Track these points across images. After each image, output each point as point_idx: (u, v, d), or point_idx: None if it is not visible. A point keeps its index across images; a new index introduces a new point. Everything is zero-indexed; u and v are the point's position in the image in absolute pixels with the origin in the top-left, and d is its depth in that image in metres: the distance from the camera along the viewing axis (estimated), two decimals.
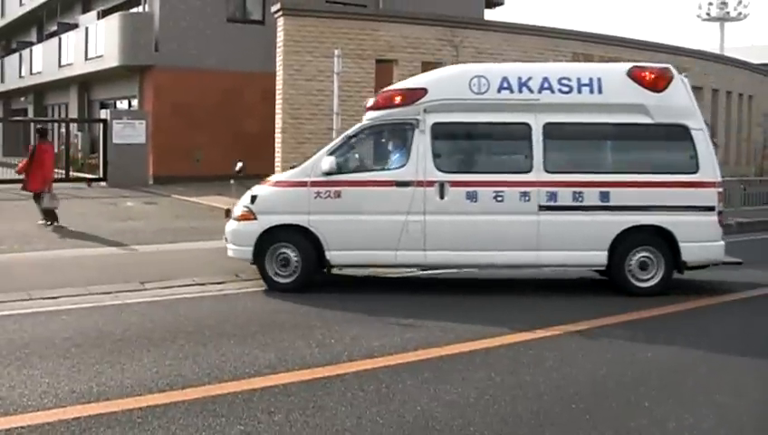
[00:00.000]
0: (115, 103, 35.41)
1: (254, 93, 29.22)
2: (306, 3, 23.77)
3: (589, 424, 6.30)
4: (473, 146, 12.07)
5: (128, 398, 6.57)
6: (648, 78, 11.42)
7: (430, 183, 11.22)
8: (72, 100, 39.23)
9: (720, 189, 11.35)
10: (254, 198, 11.57)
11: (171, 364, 7.52)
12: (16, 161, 22.42)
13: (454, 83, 11.70)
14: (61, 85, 39.73)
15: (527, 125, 11.34)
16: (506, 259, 11.47)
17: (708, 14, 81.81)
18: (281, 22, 20.39)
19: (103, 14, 35.40)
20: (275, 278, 11.40)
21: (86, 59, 34.07)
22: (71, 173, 29.09)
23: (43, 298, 10.41)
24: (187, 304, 10.42)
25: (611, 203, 11.18)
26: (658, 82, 11.40)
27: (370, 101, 12.11)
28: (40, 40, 45.05)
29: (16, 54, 46.38)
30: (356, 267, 12.25)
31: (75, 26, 38.05)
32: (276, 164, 20.41)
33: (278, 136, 20.30)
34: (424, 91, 11.56)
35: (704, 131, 11.43)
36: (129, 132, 27.62)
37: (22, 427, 5.90)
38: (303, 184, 11.41)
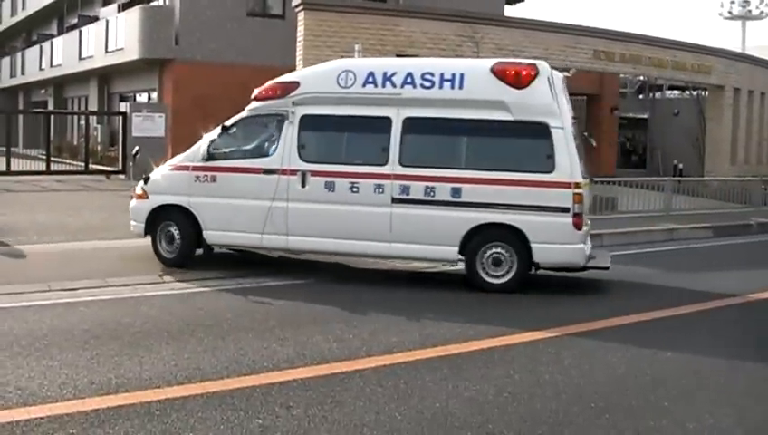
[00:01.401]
0: (135, 96, 35.51)
1: None
2: None
3: (608, 423, 6.27)
4: (336, 138, 12.32)
5: (146, 390, 6.57)
6: (510, 75, 11.22)
7: (293, 172, 11.68)
8: (91, 92, 39.36)
9: (577, 190, 10.94)
10: (147, 180, 12.61)
11: (190, 357, 7.52)
12: (36, 153, 22.48)
13: (323, 78, 12.10)
14: (81, 78, 39.87)
15: (388, 119, 11.49)
16: (361, 248, 11.76)
17: (730, 13, 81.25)
18: (301, 16, 20.39)
19: (124, 7, 35.49)
20: (163, 253, 12.33)
21: (106, 52, 34.18)
22: (90, 166, 29.17)
23: (63, 290, 10.41)
24: (205, 298, 10.43)
25: (462, 199, 11.19)
26: (521, 79, 11.17)
27: (255, 93, 12.41)
28: (60, 32, 45.21)
29: (37, 47, 46.56)
30: (232, 247, 12.82)
31: (96, 19, 38.16)
32: None
33: None
34: (296, 84, 12.03)
35: (565, 130, 11.07)
36: (149, 125, 27.64)
37: (41, 418, 5.90)
38: (187, 168, 12.31)
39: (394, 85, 11.63)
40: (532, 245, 11.04)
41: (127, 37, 31.97)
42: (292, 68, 21.03)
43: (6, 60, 54.11)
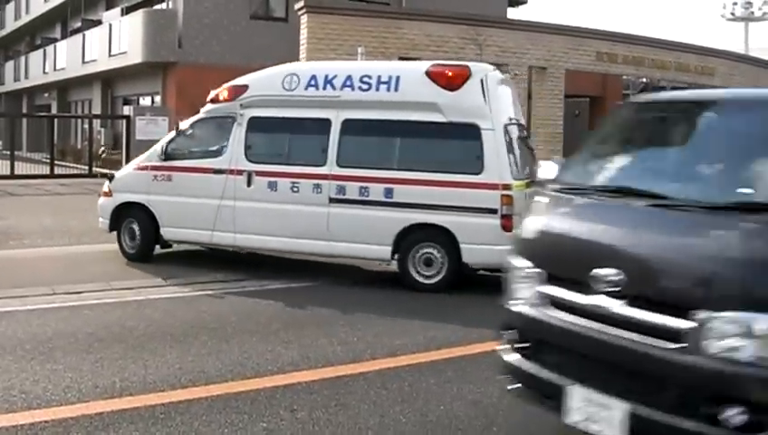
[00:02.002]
0: (138, 100, 35.56)
1: None
2: (330, 0, 23.77)
3: None
4: (280, 139, 12.57)
5: (150, 393, 6.57)
6: (443, 77, 11.36)
7: (240, 172, 12.14)
8: (95, 96, 39.42)
9: (506, 192, 10.92)
10: (111, 178, 13.51)
11: (194, 360, 7.52)
12: (40, 157, 22.49)
13: (270, 81, 12.52)
14: (84, 81, 39.94)
15: (328, 121, 11.79)
16: (302, 247, 12.05)
17: (733, 14, 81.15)
18: (304, 19, 20.40)
19: (127, 11, 35.55)
20: (126, 248, 13.03)
21: (109, 55, 34.25)
22: (94, 169, 29.20)
23: (67, 293, 10.41)
24: (209, 301, 10.42)
25: (395, 200, 11.35)
26: (453, 81, 11.30)
27: (210, 95, 13.04)
28: (64, 36, 45.31)
29: (40, 51, 46.65)
30: (187, 243, 13.25)
31: (99, 23, 38.25)
32: None
33: None
34: (245, 87, 12.52)
35: (495, 132, 11.09)
36: (152, 128, 27.65)
37: (45, 421, 5.90)
38: (146, 168, 12.96)
39: (334, 88, 11.93)
40: (461, 245, 11.10)
41: (130, 41, 32.03)
42: None
43: (10, 64, 54.26)
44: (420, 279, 11.35)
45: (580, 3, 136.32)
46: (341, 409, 6.36)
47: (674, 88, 44.20)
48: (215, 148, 12.61)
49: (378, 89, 11.70)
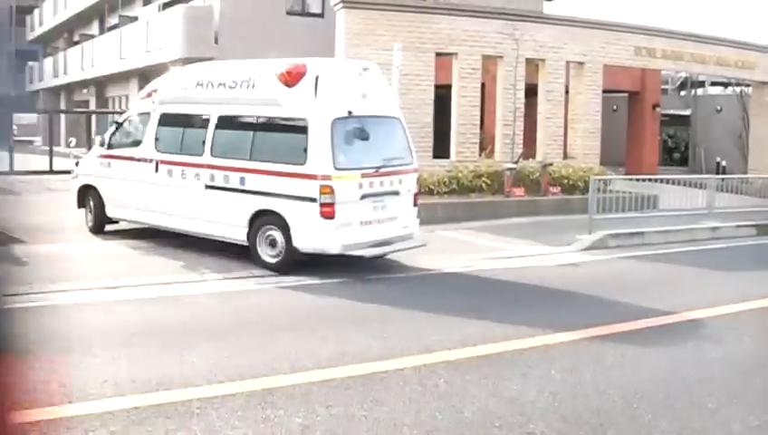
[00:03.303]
0: None
1: None
2: None
3: (651, 424, 6.22)
4: (178, 133, 13.96)
5: (187, 388, 6.60)
6: (284, 75, 12.29)
7: (150, 160, 13.86)
8: (132, 91, 39.59)
9: (325, 182, 11.62)
10: (77, 163, 15.87)
11: (230, 356, 7.54)
12: (78, 153, 22.67)
13: (172, 82, 14.55)
14: (121, 77, 40.15)
15: (208, 116, 13.19)
16: (190, 227, 13.35)
17: None
18: (341, 14, 20.34)
19: (164, 7, 35.69)
20: (87, 222, 15.27)
21: (146, 51, 34.38)
22: None
23: (105, 288, 10.49)
24: (245, 296, 10.46)
25: (246, 187, 12.42)
26: (291, 79, 12.20)
27: (140, 93, 15.26)
28: (101, 33, 45.57)
29: (78, 47, 46.94)
30: (127, 221, 14.84)
31: (136, 19, 38.42)
32: None
33: None
34: (156, 88, 14.56)
35: (320, 126, 11.80)
36: None
37: (83, 414, 5.94)
38: (96, 156, 15.23)
39: (213, 87, 13.35)
40: (291, 230, 11.96)
41: (167, 37, 32.14)
42: None
43: (49, 60, 54.66)
44: (266, 259, 12.23)
45: None
46: (377, 405, 6.35)
47: (713, 83, 43.79)
48: (137, 139, 14.43)
49: (240, 87, 12.94)
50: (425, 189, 19.04)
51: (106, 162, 14.90)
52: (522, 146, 21.72)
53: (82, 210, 15.36)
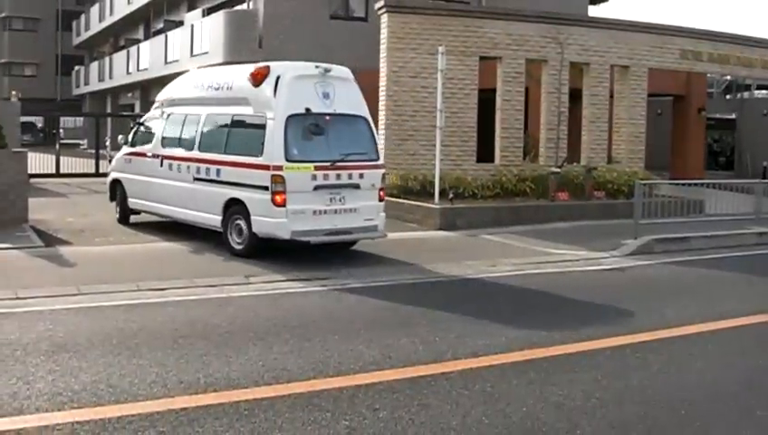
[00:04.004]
0: None
1: None
2: (410, 0, 23.75)
3: (699, 431, 6.17)
4: (178, 130, 15.27)
5: (234, 390, 6.64)
6: (251, 76, 13.43)
7: (157, 156, 15.41)
8: None
9: (276, 172, 12.61)
10: (111, 160, 18.06)
11: (277, 358, 7.57)
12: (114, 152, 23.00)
13: (177, 86, 16.42)
14: (166, 81, 40.04)
15: (199, 115, 14.71)
16: (185, 216, 14.68)
17: None
18: (384, 18, 20.37)
19: (208, 12, 35.98)
20: (116, 214, 16.98)
21: (191, 55, 34.66)
22: None
23: (151, 290, 10.59)
24: (291, 299, 10.49)
25: (221, 178, 13.68)
26: (256, 79, 13.31)
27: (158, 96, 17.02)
28: (147, 37, 46.01)
29: (124, 51, 47.44)
30: (144, 212, 16.20)
31: (181, 24, 38.75)
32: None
33: (381, 132, 20.23)
34: (166, 91, 16.65)
35: (276, 121, 12.81)
36: None
37: (132, 415, 6.00)
38: (122, 153, 17.10)
39: (205, 89, 14.95)
40: (251, 217, 13.00)
41: (211, 41, 32.40)
42: (375, 70, 21.13)
43: (95, 64, 55.29)
44: (234, 245, 13.39)
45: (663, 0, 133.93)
46: (423, 409, 6.34)
47: (760, 86, 43.29)
48: (150, 137, 15.98)
49: (222, 89, 14.40)
50: (468, 193, 19.05)
51: (128, 159, 16.64)
52: (566, 150, 21.62)
53: (113, 205, 17.11)
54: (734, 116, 42.77)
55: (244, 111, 13.60)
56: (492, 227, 17.41)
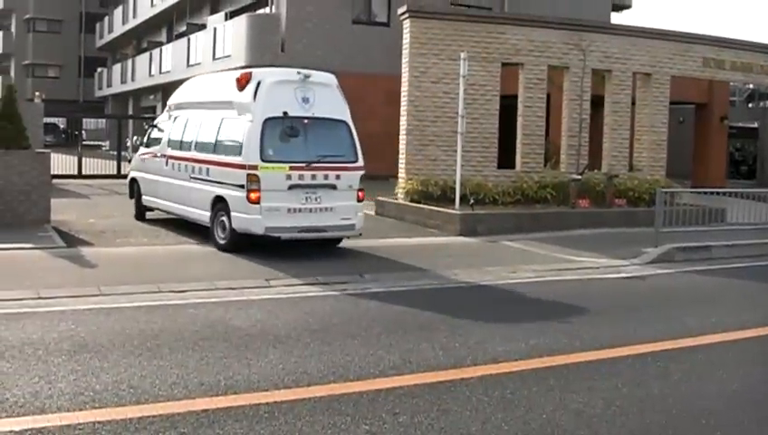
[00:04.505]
0: None
1: (377, 95, 29.40)
2: (432, 5, 23.73)
3: None
4: (180, 132, 16.17)
5: (255, 392, 6.66)
6: (236, 81, 14.28)
7: (164, 156, 16.46)
8: None
9: (251, 172, 13.38)
10: (130, 161, 19.31)
11: (297, 362, 7.59)
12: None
13: (183, 91, 17.57)
14: None
15: (194, 118, 15.79)
16: (183, 212, 15.65)
17: None
18: (407, 24, 20.38)
19: (231, 16, 36.10)
20: (134, 210, 17.98)
21: (213, 59, 34.78)
22: None
23: (172, 291, 10.64)
24: (311, 303, 10.50)
25: (210, 177, 14.56)
26: (240, 84, 14.12)
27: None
28: (169, 40, 46.19)
29: (147, 54, 47.66)
30: (156, 209, 17.10)
31: (203, 27, 38.87)
32: (400, 165, 20.41)
33: (403, 137, 20.28)
34: (174, 97, 17.77)
35: (253, 123, 13.57)
36: None
37: (153, 416, 6.03)
38: (139, 153, 18.30)
39: (203, 94, 16.11)
40: (231, 214, 13.75)
41: (234, 45, 32.49)
42: (395, 76, 21.17)
43: (117, 67, 55.56)
44: (219, 240, 14.14)
45: (686, 7, 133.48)
46: (443, 414, 6.34)
47: None
48: (160, 139, 16.94)
49: (215, 92, 15.43)
50: (489, 200, 19.03)
51: (143, 159, 17.77)
52: (587, 157, 21.57)
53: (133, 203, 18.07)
54: (756, 125, 42.59)
55: (229, 115, 14.33)
56: (512, 233, 17.39)
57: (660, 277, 13.61)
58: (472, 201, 18.21)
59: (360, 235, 14.55)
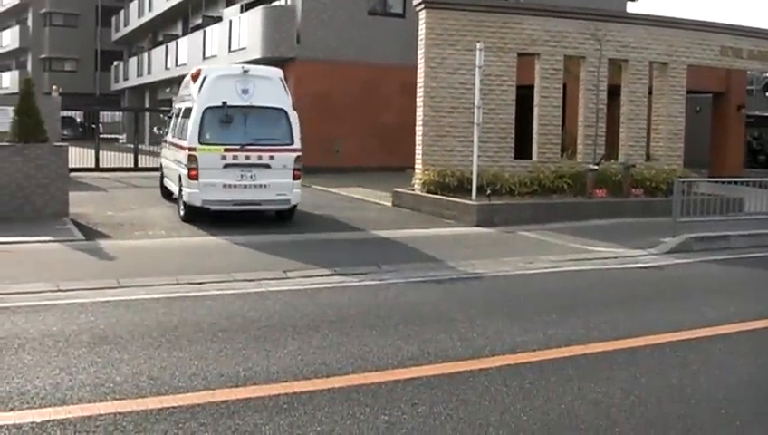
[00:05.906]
0: None
1: (393, 86, 29.40)
2: None
3: (739, 430, 6.11)
4: (173, 121, 18.75)
5: (274, 383, 6.69)
6: (191, 75, 16.96)
7: (166, 142, 19.24)
8: None
9: (191, 153, 15.56)
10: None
11: (315, 352, 7.61)
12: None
13: (183, 85, 19.13)
14: None
15: (180, 109, 18.09)
16: (172, 189, 17.88)
17: None
18: (422, 15, 20.36)
19: (246, 8, 36.10)
20: (161, 192, 20.44)
21: (229, 51, 34.81)
22: None
23: (190, 283, 10.68)
24: (328, 294, 10.52)
25: (177, 159, 16.90)
26: (194, 78, 16.53)
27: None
28: (185, 33, 46.28)
29: (162, 47, 47.74)
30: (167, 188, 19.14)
31: (219, 19, 38.90)
32: (417, 156, 20.42)
33: (419, 129, 20.27)
34: (180, 90, 19.81)
35: (195, 111, 15.84)
36: None
37: (173, 407, 6.06)
38: (164, 142, 20.48)
39: (184, 87, 18.41)
40: (182, 188, 16.21)
41: (250, 37, 32.51)
42: (411, 66, 21.15)
43: (133, 60, 55.69)
44: (180, 212, 16.47)
45: None
46: (462, 404, 6.36)
47: None
48: (169, 128, 19.28)
49: (188, 86, 17.41)
50: (506, 190, 19.02)
51: (166, 146, 19.89)
52: (604, 147, 21.51)
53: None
54: None
55: (188, 105, 16.71)
56: (529, 223, 17.38)
57: (678, 267, 13.57)
58: (488, 192, 18.19)
59: (295, 207, 16.57)
